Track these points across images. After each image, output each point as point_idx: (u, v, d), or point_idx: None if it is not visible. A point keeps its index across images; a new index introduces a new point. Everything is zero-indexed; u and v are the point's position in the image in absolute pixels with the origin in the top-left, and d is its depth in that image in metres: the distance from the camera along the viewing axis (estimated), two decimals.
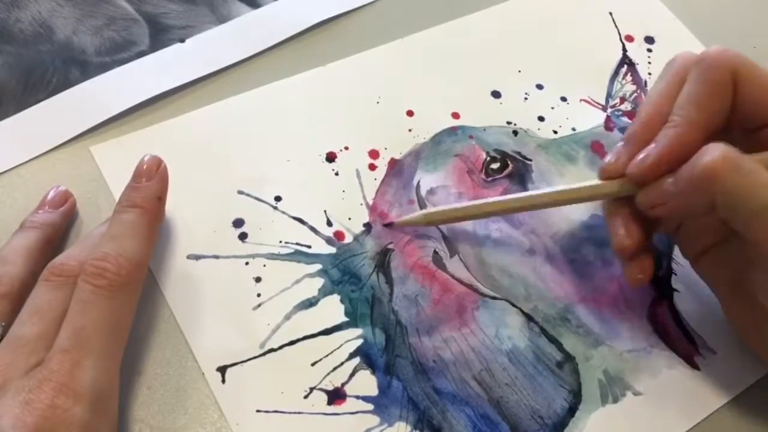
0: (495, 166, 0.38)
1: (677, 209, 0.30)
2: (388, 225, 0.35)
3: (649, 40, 0.44)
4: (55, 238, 0.32)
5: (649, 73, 0.42)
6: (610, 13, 0.45)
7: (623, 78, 0.42)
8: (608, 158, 0.32)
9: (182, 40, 0.40)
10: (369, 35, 0.41)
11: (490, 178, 0.37)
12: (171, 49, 0.40)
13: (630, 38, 0.44)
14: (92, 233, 0.30)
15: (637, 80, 0.42)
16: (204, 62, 0.39)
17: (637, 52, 0.43)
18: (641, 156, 0.30)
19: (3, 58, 0.38)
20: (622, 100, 0.41)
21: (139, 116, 0.37)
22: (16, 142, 0.35)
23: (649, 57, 0.43)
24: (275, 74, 0.39)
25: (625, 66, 0.42)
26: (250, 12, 0.42)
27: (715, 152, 0.27)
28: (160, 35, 0.40)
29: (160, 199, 0.31)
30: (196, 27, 0.41)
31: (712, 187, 0.27)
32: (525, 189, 0.37)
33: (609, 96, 0.41)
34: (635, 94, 0.41)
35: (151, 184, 0.30)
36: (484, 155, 0.38)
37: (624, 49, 0.43)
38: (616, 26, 0.44)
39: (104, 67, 0.38)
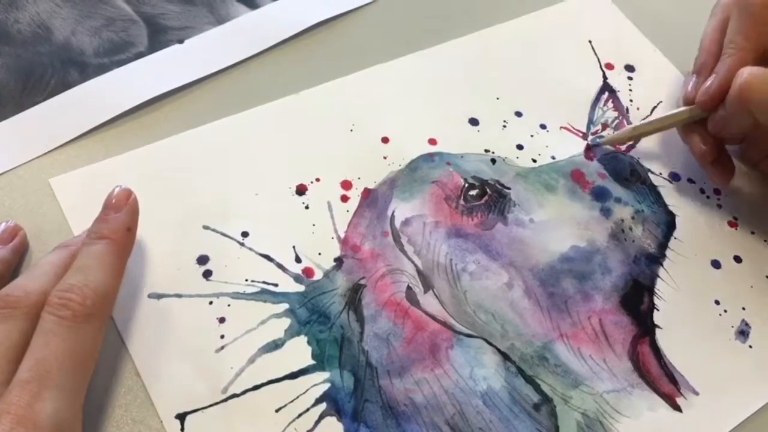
0: (473, 192, 0.37)
1: (733, 129, 0.35)
2: (594, 146, 0.39)
3: (630, 68, 0.43)
4: (7, 274, 0.31)
5: (631, 100, 0.41)
6: (590, 42, 0.44)
7: (605, 104, 0.41)
8: (686, 90, 0.37)
9: (181, 41, 0.39)
10: (372, 33, 0.41)
11: (469, 205, 0.36)
12: (169, 50, 0.39)
13: (610, 66, 0.43)
14: (40, 262, 0.29)
15: (618, 107, 0.41)
16: (203, 63, 0.39)
17: (617, 79, 0.42)
18: (705, 86, 0.35)
19: (1, 59, 0.38)
20: (604, 126, 0.40)
21: (138, 116, 0.37)
22: (15, 144, 0.35)
23: (630, 84, 0.42)
24: (275, 75, 0.39)
25: (607, 93, 0.41)
26: (249, 13, 0.42)
27: (744, 72, 0.33)
28: (159, 36, 0.40)
29: (130, 230, 0.30)
30: (195, 28, 0.40)
31: (748, 101, 0.33)
32: (504, 218, 0.36)
33: (590, 122, 0.40)
34: (617, 121, 0.40)
35: (120, 215, 0.30)
36: (462, 181, 0.37)
37: (605, 77, 0.42)
38: (596, 54, 0.43)
39: (103, 69, 0.38)
